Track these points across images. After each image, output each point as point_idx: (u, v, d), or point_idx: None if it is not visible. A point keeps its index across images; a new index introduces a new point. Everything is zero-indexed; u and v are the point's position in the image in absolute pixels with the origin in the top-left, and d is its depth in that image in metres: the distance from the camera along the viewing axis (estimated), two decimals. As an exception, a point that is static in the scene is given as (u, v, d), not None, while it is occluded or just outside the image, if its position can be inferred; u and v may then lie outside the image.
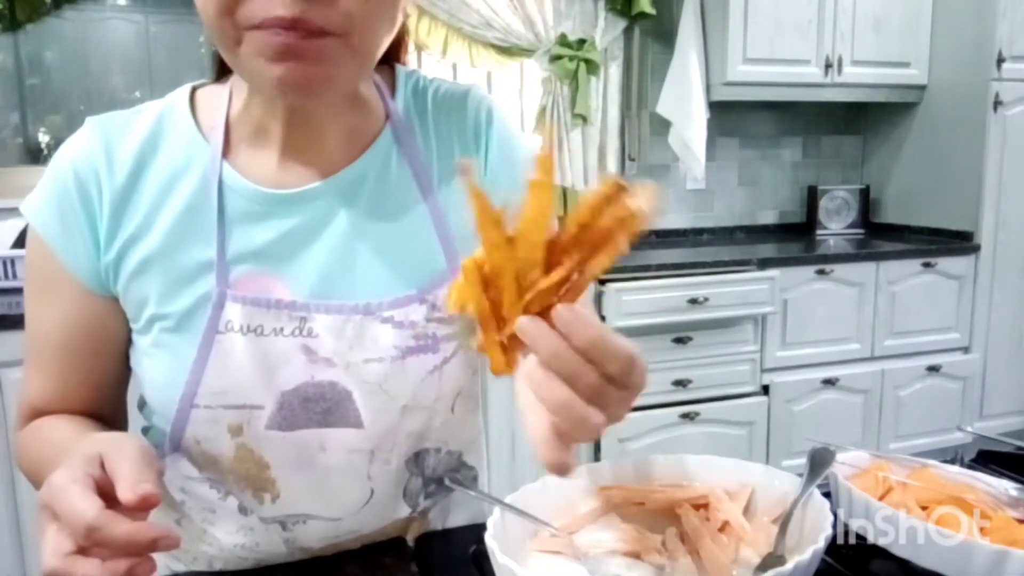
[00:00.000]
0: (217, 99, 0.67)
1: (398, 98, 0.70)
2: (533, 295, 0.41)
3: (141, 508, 0.45)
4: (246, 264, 0.64)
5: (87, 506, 0.44)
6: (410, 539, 0.75)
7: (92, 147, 0.63)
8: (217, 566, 0.72)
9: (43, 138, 2.50)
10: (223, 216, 0.63)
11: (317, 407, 0.65)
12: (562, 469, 0.44)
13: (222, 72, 0.68)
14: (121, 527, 0.44)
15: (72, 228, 0.63)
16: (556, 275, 0.40)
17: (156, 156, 0.64)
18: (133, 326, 0.66)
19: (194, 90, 0.69)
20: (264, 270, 0.64)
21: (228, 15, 0.52)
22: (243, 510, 0.69)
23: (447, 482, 0.77)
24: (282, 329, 0.63)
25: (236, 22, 0.52)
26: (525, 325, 0.41)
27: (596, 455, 2.42)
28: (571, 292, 0.42)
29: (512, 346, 0.43)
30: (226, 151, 0.65)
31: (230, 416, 0.63)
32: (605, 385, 0.42)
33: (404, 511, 0.74)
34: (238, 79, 0.65)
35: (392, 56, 0.71)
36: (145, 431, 0.72)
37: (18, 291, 1.99)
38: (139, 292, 0.64)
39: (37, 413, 0.67)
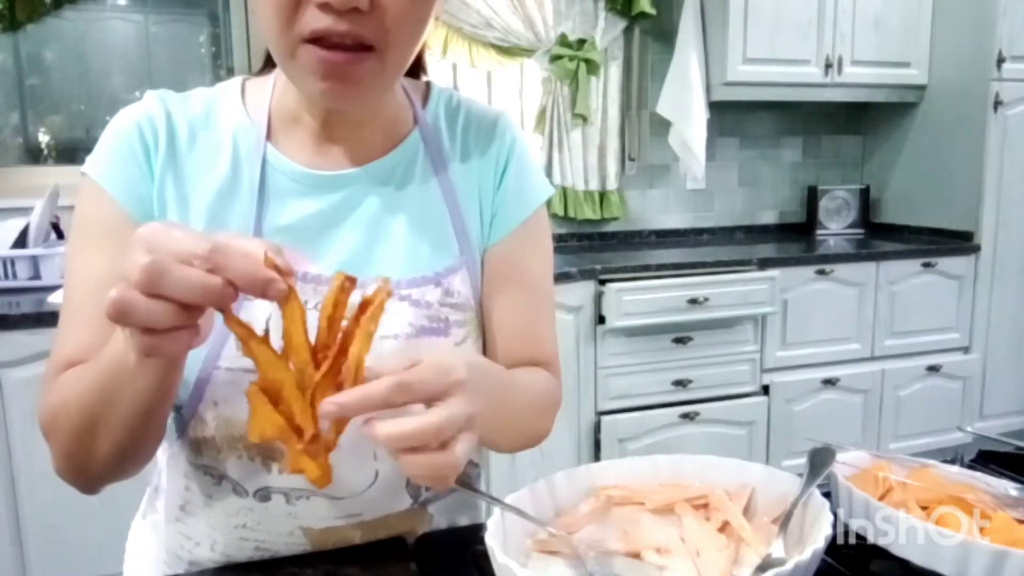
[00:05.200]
0: (263, 89, 0.73)
1: (429, 108, 0.77)
2: (313, 391, 0.46)
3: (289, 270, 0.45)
4: (279, 237, 0.68)
5: (202, 237, 0.44)
6: (410, 539, 0.75)
7: (155, 111, 0.69)
8: (219, 549, 0.73)
9: (43, 138, 2.50)
10: (263, 191, 0.69)
11: None
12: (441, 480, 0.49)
13: (266, 64, 0.76)
14: (242, 256, 0.44)
15: (132, 172, 0.67)
16: (324, 366, 0.45)
17: (207, 131, 0.70)
18: None
19: (243, 82, 0.75)
20: (295, 244, 0.68)
21: (288, 28, 0.59)
22: (239, 492, 0.71)
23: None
24: (306, 302, 0.66)
25: (293, 34, 0.59)
26: (327, 407, 0.46)
27: (596, 455, 2.42)
28: (347, 378, 0.47)
29: (318, 452, 0.47)
30: (269, 134, 0.71)
31: (249, 380, 0.65)
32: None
33: (406, 502, 0.75)
34: (280, 74, 0.70)
35: (416, 66, 0.78)
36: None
37: (18, 291, 1.99)
38: None
39: (72, 365, 0.64)
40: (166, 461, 0.75)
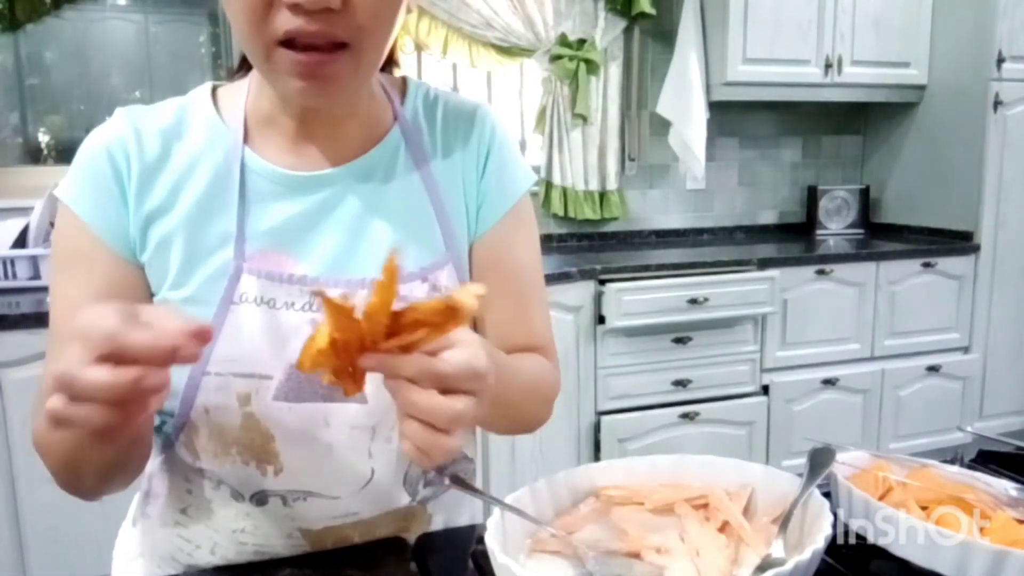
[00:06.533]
0: (236, 93, 0.73)
1: (408, 104, 0.76)
2: (375, 350, 0.51)
3: (201, 340, 0.46)
4: (262, 240, 0.68)
5: (110, 317, 0.44)
6: (410, 539, 0.75)
7: (123, 130, 0.69)
8: (219, 553, 0.73)
9: (43, 138, 2.50)
10: (243, 195, 0.69)
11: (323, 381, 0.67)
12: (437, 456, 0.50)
13: (240, 67, 0.76)
14: (143, 333, 0.44)
15: (104, 199, 0.67)
16: (394, 343, 0.50)
17: (180, 140, 0.70)
18: (155, 299, 0.69)
19: (214, 88, 0.74)
20: (279, 247, 0.69)
21: (260, 31, 0.59)
22: (237, 496, 0.71)
23: (447, 482, 0.77)
24: (293, 303, 0.68)
25: (266, 36, 0.59)
26: (367, 360, 0.49)
27: (596, 455, 2.42)
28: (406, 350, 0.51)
29: (358, 380, 0.52)
30: (245, 137, 0.70)
31: (239, 384, 0.66)
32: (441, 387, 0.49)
33: (404, 499, 0.75)
34: (255, 75, 0.71)
35: (388, 60, 0.77)
36: (156, 430, 0.73)
37: (18, 291, 1.99)
38: (162, 264, 0.68)
39: None
40: (159, 466, 0.75)
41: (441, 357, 0.49)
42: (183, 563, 0.75)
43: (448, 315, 0.49)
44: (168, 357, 0.45)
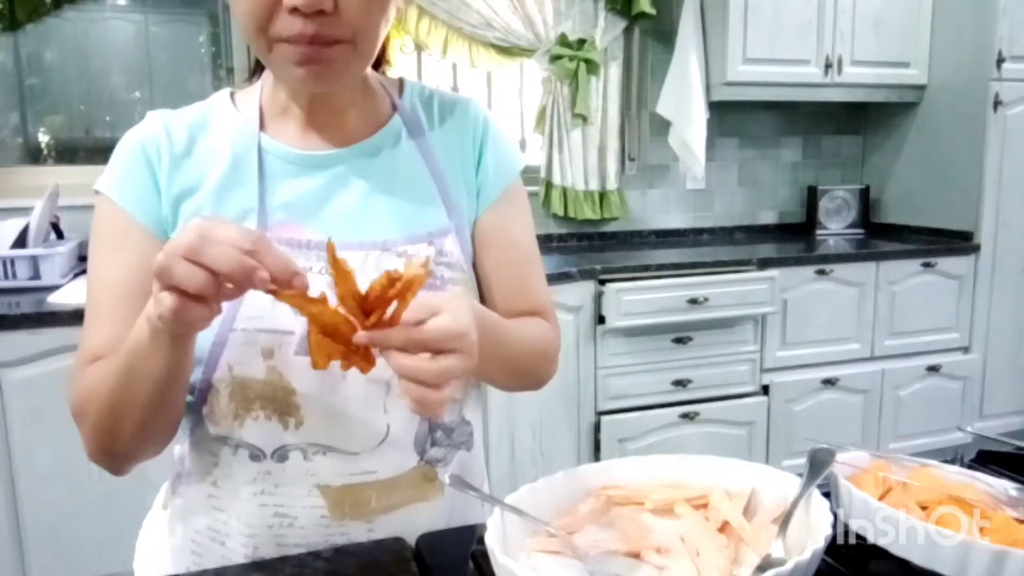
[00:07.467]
0: (251, 93, 0.82)
1: (406, 98, 0.85)
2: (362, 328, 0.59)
3: (302, 284, 0.56)
4: (280, 213, 0.76)
5: (248, 232, 0.54)
6: (423, 513, 0.77)
7: (155, 127, 0.78)
8: (243, 519, 0.75)
9: (43, 138, 2.50)
10: (262, 174, 0.77)
11: None
12: (430, 411, 0.59)
13: (255, 70, 0.85)
14: (278, 251, 0.55)
15: (139, 185, 0.76)
16: (372, 320, 0.58)
17: (205, 133, 0.79)
18: None
19: (231, 94, 0.83)
20: (296, 218, 0.76)
21: (263, 31, 0.68)
22: (256, 456, 0.74)
23: (448, 483, 0.77)
24: (311, 268, 0.74)
25: (268, 36, 0.68)
26: (360, 337, 0.58)
27: (596, 455, 2.43)
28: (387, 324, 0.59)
29: (367, 357, 0.61)
30: (262, 126, 0.79)
31: (264, 339, 0.72)
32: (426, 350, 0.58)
33: (414, 459, 0.78)
34: (268, 75, 0.80)
35: (380, 58, 0.86)
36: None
37: (18, 291, 1.99)
38: None
39: (97, 359, 0.71)
40: (189, 447, 0.78)
41: (424, 326, 0.57)
42: (220, 536, 0.77)
43: (405, 287, 0.56)
44: (287, 279, 0.55)
